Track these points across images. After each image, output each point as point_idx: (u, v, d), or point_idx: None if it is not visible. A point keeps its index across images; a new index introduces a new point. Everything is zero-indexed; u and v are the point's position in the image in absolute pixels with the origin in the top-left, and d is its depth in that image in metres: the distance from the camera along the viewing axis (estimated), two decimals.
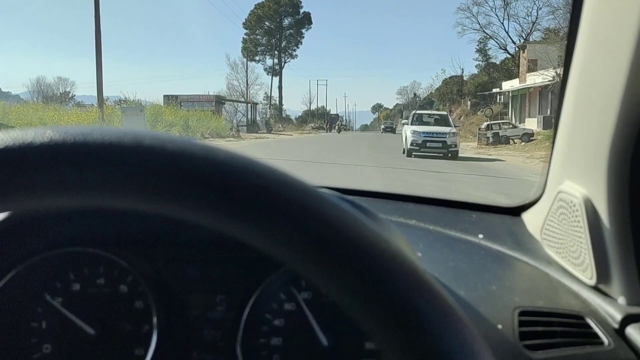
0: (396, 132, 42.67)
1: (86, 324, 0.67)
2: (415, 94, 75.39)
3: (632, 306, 0.67)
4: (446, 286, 0.69)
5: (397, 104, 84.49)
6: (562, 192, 0.78)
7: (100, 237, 0.69)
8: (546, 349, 0.63)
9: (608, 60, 0.65)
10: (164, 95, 36.45)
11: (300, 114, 66.90)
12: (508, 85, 32.12)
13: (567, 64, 0.75)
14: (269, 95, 50.97)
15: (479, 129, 23.32)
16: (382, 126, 49.61)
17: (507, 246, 0.86)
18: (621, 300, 0.68)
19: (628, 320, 0.66)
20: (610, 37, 0.64)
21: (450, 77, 49.95)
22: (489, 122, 23.57)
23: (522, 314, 0.66)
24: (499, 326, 0.64)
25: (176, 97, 35.96)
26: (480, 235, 0.89)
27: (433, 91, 58.96)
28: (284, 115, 56.40)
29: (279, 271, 0.67)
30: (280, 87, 56.40)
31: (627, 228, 0.67)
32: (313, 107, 67.73)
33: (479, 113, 35.15)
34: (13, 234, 0.64)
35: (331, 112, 75.28)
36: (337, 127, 44.89)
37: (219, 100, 38.29)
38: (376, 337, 0.31)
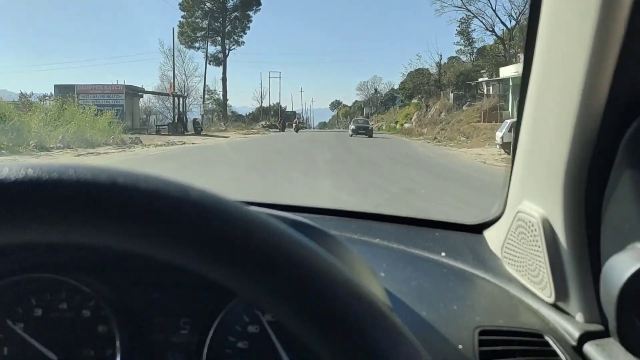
0: (373, 135, 30.07)
1: (48, 350, 0.67)
2: (376, 90, 67.95)
3: (589, 323, 0.70)
4: (409, 306, 0.71)
5: (357, 100, 76.94)
6: (521, 211, 0.81)
7: (62, 263, 0.69)
8: None
9: (563, 82, 0.68)
10: (55, 86, 26.94)
11: (252, 111, 57.75)
12: (508, 71, 24.51)
13: (523, 86, 0.78)
14: (204, 87, 41.78)
15: (501, 135, 14.90)
16: (352, 126, 31.84)
17: (468, 264, 0.89)
18: (579, 317, 0.71)
19: (586, 337, 0.68)
20: (566, 60, 0.67)
21: (417, 70, 41.91)
22: (511, 120, 15.42)
23: (482, 333, 0.68)
24: (460, 347, 0.66)
25: (72, 87, 26.22)
26: (443, 253, 0.92)
27: (395, 86, 51.00)
28: (229, 113, 47.13)
29: None
30: (224, 79, 47.93)
31: (583, 247, 0.70)
32: (267, 103, 59.14)
33: (464, 108, 27.27)
34: None
35: (287, 109, 66.51)
36: (294, 125, 42.63)
37: (132, 92, 28.84)
38: None
